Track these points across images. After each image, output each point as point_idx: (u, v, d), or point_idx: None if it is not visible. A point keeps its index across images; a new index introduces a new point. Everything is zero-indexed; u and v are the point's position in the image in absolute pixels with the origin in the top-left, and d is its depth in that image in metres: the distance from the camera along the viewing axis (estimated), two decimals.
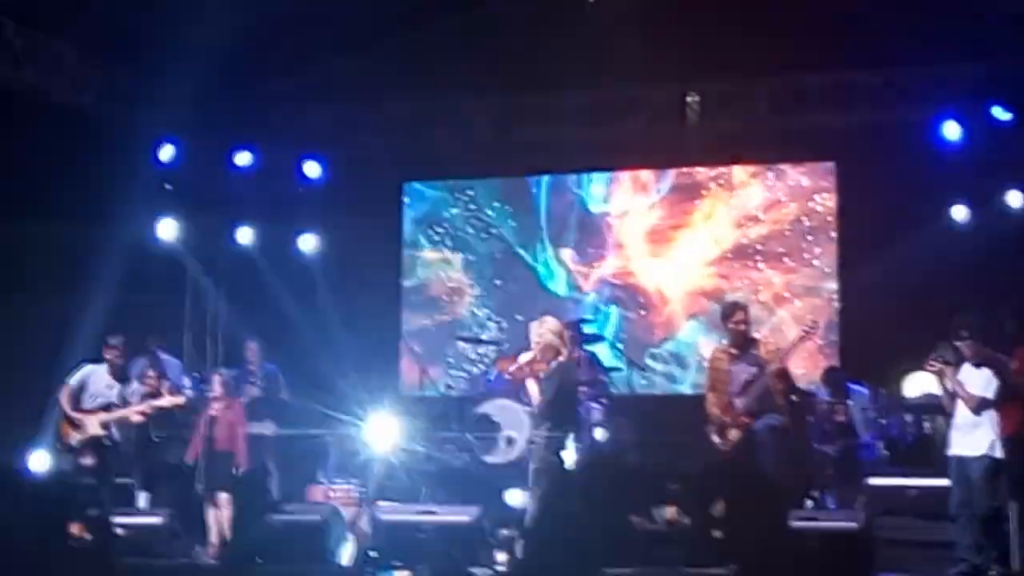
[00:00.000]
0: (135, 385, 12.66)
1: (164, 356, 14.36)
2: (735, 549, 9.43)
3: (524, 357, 10.27)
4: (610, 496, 9.87)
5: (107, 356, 12.46)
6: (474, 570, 10.27)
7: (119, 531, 11.69)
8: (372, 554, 10.90)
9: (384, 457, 12.30)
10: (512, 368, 10.56)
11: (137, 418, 12.51)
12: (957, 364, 10.31)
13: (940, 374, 10.46)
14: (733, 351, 11.19)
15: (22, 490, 3.32)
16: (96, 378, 12.45)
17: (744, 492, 8.22)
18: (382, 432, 12.57)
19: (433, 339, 16.17)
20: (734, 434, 10.91)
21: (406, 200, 16.53)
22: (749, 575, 8.82)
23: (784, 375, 11.24)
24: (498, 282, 16.23)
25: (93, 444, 12.23)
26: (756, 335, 11.66)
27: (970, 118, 13.72)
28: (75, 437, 12.26)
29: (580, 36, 14.51)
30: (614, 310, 15.74)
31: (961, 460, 10.27)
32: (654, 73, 14.63)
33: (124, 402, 12.46)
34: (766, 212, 15.47)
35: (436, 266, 16.42)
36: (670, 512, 11.36)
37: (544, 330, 10.24)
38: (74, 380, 12.39)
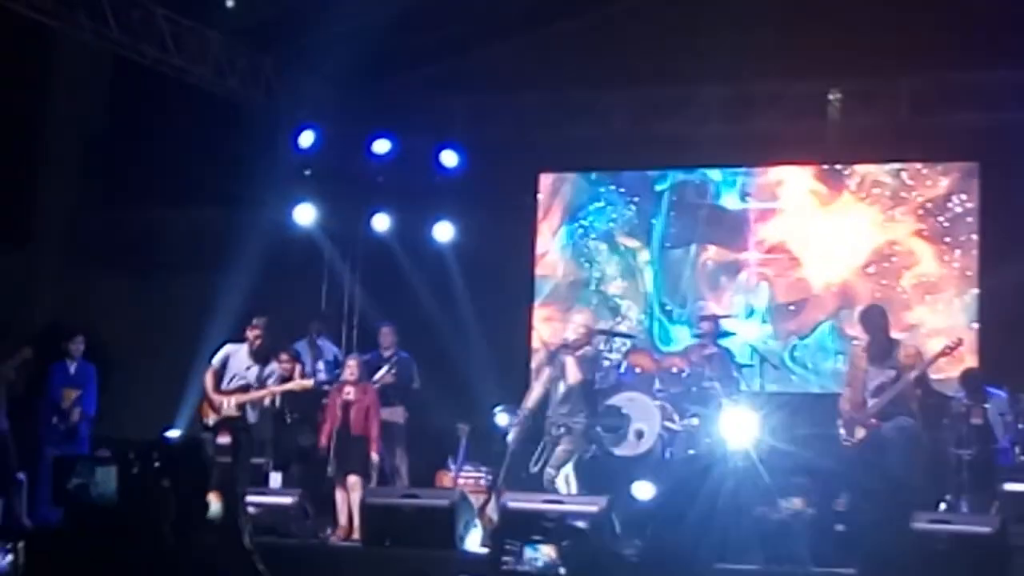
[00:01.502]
0: (273, 366, 12.77)
1: (322, 341, 14.61)
2: (857, 544, 9.40)
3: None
4: (739, 487, 9.91)
5: (249, 336, 12.54)
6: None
7: (251, 509, 11.95)
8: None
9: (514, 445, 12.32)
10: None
11: (267, 401, 12.73)
12: None
13: None
14: (873, 353, 11.21)
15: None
16: (237, 359, 12.56)
17: (869, 488, 8.15)
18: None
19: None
20: (861, 432, 11.04)
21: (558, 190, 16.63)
22: (871, 572, 8.78)
23: (921, 382, 11.21)
24: (640, 272, 16.18)
25: (229, 424, 12.37)
26: (897, 338, 11.63)
27: None
28: (212, 417, 12.44)
29: (721, 30, 14.51)
30: (755, 306, 15.65)
31: None
32: (796, 68, 14.58)
33: (261, 384, 12.55)
34: (905, 214, 15.30)
35: (574, 258, 16.46)
36: (796, 503, 11.36)
37: (579, 320, 11.74)
38: (216, 360, 12.53)
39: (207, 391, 12.51)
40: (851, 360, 11.66)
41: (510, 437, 12.02)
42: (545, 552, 9.90)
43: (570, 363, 11.52)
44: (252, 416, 12.56)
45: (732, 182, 15.92)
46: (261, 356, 12.57)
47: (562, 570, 8.13)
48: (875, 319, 11.46)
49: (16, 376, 12.95)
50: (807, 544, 10.35)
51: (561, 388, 11.60)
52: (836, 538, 10.29)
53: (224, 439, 12.31)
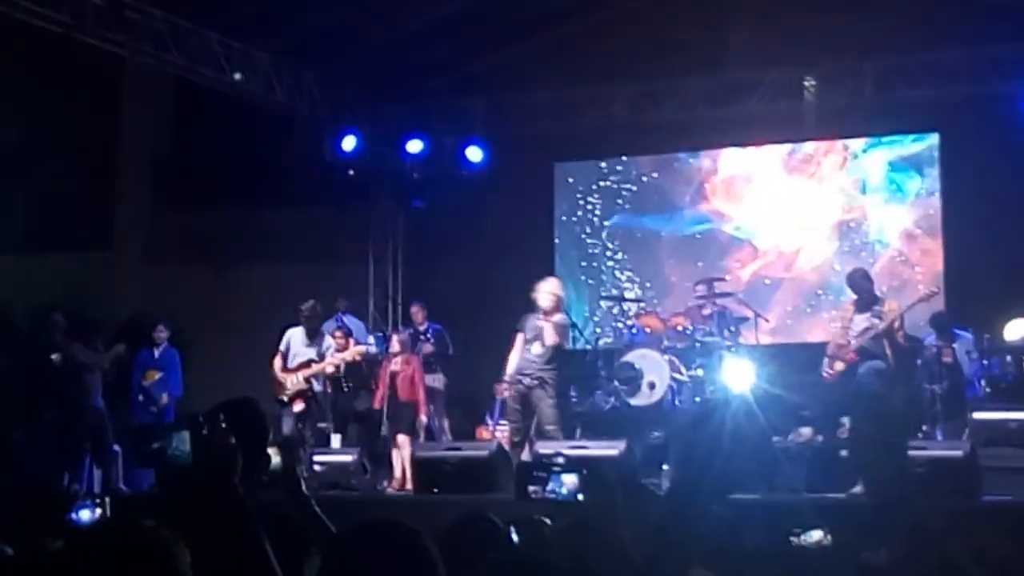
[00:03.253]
0: (328, 341, 12.92)
1: (348, 318, 14.66)
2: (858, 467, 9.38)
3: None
4: (756, 421, 9.93)
5: (302, 319, 12.79)
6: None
7: (317, 467, 12.02)
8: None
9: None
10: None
11: (331, 370, 12.78)
12: None
13: None
14: (859, 307, 11.25)
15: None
16: (296, 340, 12.80)
17: (866, 417, 8.10)
18: None
19: (585, 297, 16.22)
20: (839, 365, 11.05)
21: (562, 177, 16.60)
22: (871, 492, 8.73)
23: (902, 320, 11.20)
24: (645, 245, 16.14)
25: (300, 395, 12.63)
26: (879, 294, 11.64)
27: None
28: (286, 393, 12.64)
29: (705, 27, 14.50)
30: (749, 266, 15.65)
31: None
32: (773, 58, 14.55)
33: (320, 357, 12.74)
34: (876, 182, 15.25)
35: (584, 235, 16.45)
36: (806, 432, 11.42)
37: (547, 288, 11.40)
38: (282, 345, 12.78)
39: (276, 373, 12.71)
40: (841, 313, 11.72)
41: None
42: (567, 481, 9.95)
43: (547, 328, 11.34)
44: (317, 386, 12.76)
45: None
46: (313, 334, 12.81)
47: (580, 496, 8.15)
48: (859, 279, 11.51)
49: (109, 367, 13.12)
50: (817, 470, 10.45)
51: (538, 348, 11.39)
52: (843, 463, 10.34)
53: (299, 407, 12.62)
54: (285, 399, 12.64)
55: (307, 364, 12.70)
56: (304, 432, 12.64)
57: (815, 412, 11.34)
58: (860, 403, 10.54)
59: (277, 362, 12.75)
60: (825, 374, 11.22)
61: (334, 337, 12.99)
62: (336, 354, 12.81)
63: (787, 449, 11.05)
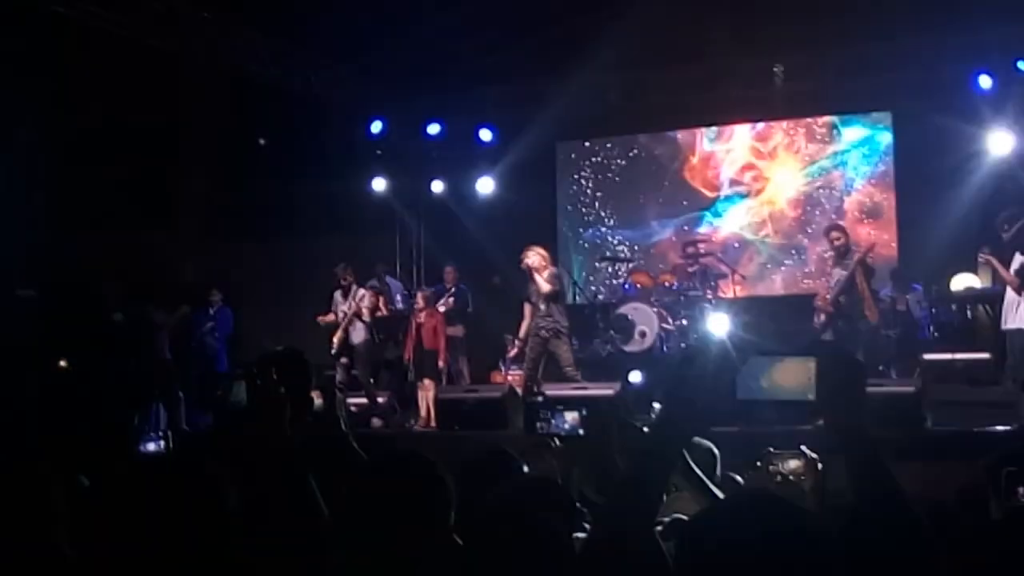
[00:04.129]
0: (361, 291, 12.86)
1: (388, 279, 14.68)
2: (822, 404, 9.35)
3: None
4: (732, 364, 9.94)
5: (336, 280, 12.76)
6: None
7: (353, 408, 12.06)
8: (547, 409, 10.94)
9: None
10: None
11: (362, 323, 12.74)
12: (1001, 254, 10.02)
13: (988, 263, 10.23)
14: (835, 258, 11.33)
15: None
16: (336, 299, 12.80)
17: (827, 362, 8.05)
18: None
19: (583, 258, 16.20)
20: (822, 316, 11.23)
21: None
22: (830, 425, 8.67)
23: (863, 264, 11.21)
24: (635, 212, 16.08)
25: (344, 347, 12.59)
26: (852, 247, 11.62)
27: (1000, 71, 13.22)
28: (335, 347, 12.60)
29: (686, 21, 14.39)
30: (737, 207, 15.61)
31: (1010, 333, 10.07)
32: (747, 49, 14.46)
33: (356, 315, 12.68)
34: (835, 155, 15.18)
35: (582, 204, 16.39)
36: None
37: (531, 252, 11.40)
38: (333, 305, 12.78)
39: (330, 327, 12.67)
40: (824, 268, 11.81)
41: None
42: (569, 417, 9.92)
43: (539, 279, 11.33)
44: (356, 337, 12.66)
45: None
46: (346, 292, 12.75)
47: (581, 431, 8.17)
48: (831, 232, 11.53)
49: (176, 324, 13.19)
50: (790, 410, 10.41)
51: (543, 306, 11.36)
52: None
53: (343, 359, 12.56)
54: (333, 352, 12.56)
55: (346, 318, 12.65)
56: (350, 377, 12.54)
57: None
58: (824, 349, 10.48)
59: (326, 320, 12.74)
60: (816, 324, 11.24)
61: (366, 296, 12.94)
62: (360, 306, 12.74)
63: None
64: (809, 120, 15.35)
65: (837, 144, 15.16)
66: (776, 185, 15.42)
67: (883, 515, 2.25)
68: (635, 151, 16.18)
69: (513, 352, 12.37)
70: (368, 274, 14.26)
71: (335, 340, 12.60)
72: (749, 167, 15.57)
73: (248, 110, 15.93)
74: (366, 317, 12.70)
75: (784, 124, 15.46)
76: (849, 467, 2.30)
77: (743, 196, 15.58)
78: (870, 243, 12.06)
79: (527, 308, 11.59)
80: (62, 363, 12.77)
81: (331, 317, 12.71)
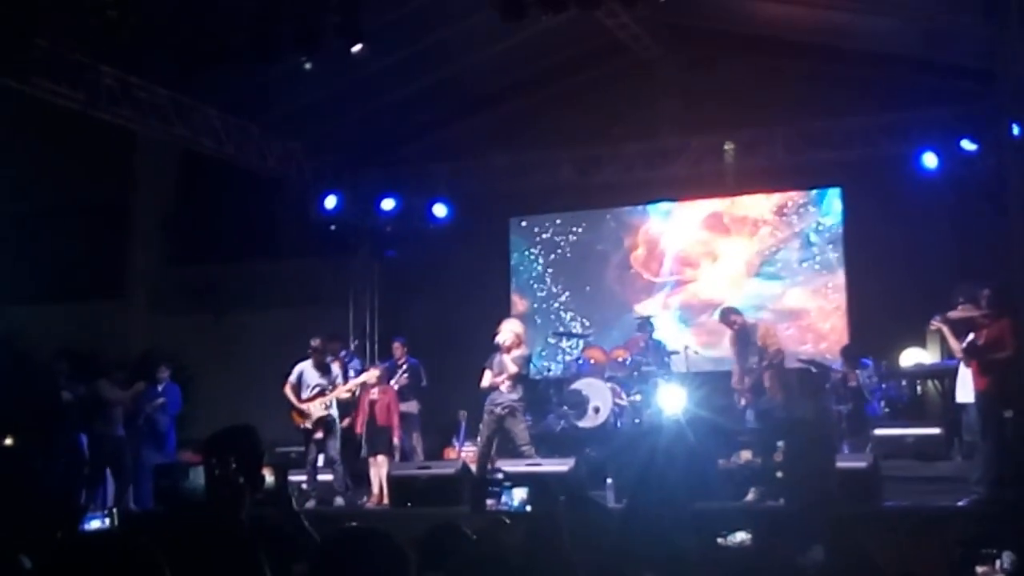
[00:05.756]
0: (337, 369, 12.53)
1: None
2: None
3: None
4: (703, 444, 9.93)
5: (313, 353, 12.32)
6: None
7: (303, 486, 11.88)
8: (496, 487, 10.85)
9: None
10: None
11: (346, 395, 12.37)
12: (954, 327, 9.98)
13: (940, 332, 10.25)
14: (738, 340, 11.22)
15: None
16: (308, 373, 12.24)
17: (794, 440, 8.02)
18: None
19: (536, 334, 16.10)
20: (743, 402, 11.09)
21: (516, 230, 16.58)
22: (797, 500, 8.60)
23: (775, 367, 11.03)
24: (587, 288, 16.08)
25: (322, 422, 12.11)
26: (752, 322, 11.57)
27: (944, 150, 13.43)
28: (307, 421, 12.12)
29: (639, 101, 14.61)
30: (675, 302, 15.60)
31: (963, 406, 10.14)
32: (697, 127, 14.68)
33: (334, 385, 12.26)
34: (783, 240, 15.28)
35: (535, 280, 16.39)
36: (745, 455, 11.32)
37: (508, 327, 11.22)
38: (293, 377, 12.23)
39: (293, 403, 12.18)
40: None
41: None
42: (517, 495, 9.88)
43: (508, 360, 11.08)
44: (334, 412, 12.25)
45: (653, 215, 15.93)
46: (321, 366, 12.30)
47: (528, 507, 8.06)
48: (728, 316, 11.46)
49: (131, 400, 12.98)
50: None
51: (505, 381, 11.10)
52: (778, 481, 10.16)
53: (319, 435, 12.11)
54: (309, 426, 12.13)
55: (323, 392, 12.17)
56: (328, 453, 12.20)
57: (752, 438, 11.20)
58: (792, 428, 10.34)
59: (290, 393, 12.17)
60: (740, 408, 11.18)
61: (372, 372, 12.63)
62: (351, 381, 12.51)
63: (729, 470, 10.98)
64: (761, 196, 15.41)
65: (787, 220, 15.26)
66: (722, 267, 15.42)
67: None
68: (584, 227, 16.18)
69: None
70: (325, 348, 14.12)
71: (310, 408, 12.17)
72: (699, 247, 15.54)
73: (201, 185, 15.94)
74: (354, 388, 12.42)
75: (731, 201, 15.49)
76: (824, 543, 2.30)
77: (686, 282, 15.55)
78: (776, 348, 11.25)
79: (486, 374, 11.35)
80: (7, 440, 12.51)
81: (316, 393, 12.27)
